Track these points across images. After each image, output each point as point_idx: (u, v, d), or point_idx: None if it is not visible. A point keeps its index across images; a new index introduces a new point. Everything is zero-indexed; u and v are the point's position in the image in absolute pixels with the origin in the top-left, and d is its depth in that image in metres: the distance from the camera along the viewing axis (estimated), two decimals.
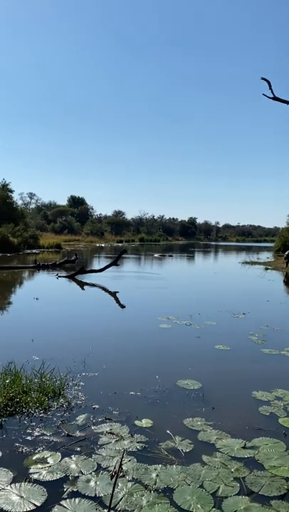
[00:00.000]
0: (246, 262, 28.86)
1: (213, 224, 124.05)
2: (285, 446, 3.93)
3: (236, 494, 3.22)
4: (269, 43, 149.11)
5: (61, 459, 3.60)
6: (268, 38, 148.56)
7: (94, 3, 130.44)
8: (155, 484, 3.30)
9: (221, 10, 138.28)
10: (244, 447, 3.90)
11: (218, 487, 3.30)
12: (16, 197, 48.65)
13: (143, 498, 3.13)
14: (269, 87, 12.66)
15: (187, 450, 3.84)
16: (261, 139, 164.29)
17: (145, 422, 4.33)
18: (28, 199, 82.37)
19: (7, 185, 42.27)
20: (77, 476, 3.38)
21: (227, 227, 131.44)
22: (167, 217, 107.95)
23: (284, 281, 19.69)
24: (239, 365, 6.53)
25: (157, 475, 3.42)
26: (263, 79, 12.68)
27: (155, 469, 3.50)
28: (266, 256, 37.72)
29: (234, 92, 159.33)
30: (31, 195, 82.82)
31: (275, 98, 12.81)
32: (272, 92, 12.84)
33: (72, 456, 3.66)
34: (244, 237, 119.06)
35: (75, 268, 19.00)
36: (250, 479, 3.42)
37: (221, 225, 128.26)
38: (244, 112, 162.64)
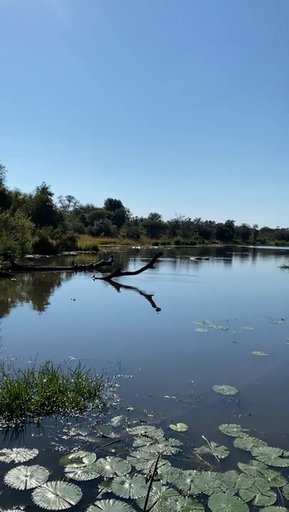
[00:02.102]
0: (286, 267, 28.20)
1: (252, 227, 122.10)
2: None
3: (273, 504, 3.14)
4: None
5: (96, 460, 3.63)
6: None
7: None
8: (189, 490, 3.27)
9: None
10: (281, 456, 3.80)
11: (255, 496, 3.23)
12: (55, 200, 49.84)
13: (177, 503, 3.11)
14: None
15: (222, 456, 3.78)
16: None
17: (180, 426, 4.30)
18: (67, 202, 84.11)
19: (47, 188, 43.35)
20: (112, 478, 3.40)
21: (266, 230, 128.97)
22: (204, 220, 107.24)
23: None
24: (277, 372, 6.38)
25: (192, 480, 3.38)
26: None
27: (190, 474, 3.46)
28: None
29: (279, 92, 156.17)
30: (70, 198, 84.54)
31: None
32: None
33: (107, 457, 3.69)
34: (283, 241, 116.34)
35: (111, 270, 19.18)
36: (287, 490, 3.32)
37: (259, 228, 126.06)
38: (281, 110, 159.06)
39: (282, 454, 3.83)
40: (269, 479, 3.46)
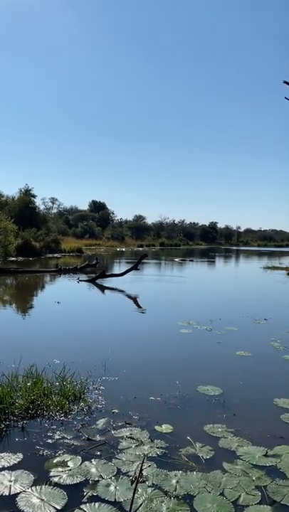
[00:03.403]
0: (268, 267, 28.52)
1: (235, 228, 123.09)
2: None
3: (258, 503, 3.17)
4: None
5: (81, 463, 3.62)
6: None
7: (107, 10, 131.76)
8: (175, 491, 3.28)
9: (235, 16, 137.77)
10: (266, 455, 3.84)
11: (240, 495, 3.26)
12: (38, 202, 49.43)
13: (163, 504, 3.11)
14: None
15: (208, 457, 3.80)
16: (284, 142, 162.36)
17: (165, 428, 4.31)
18: (50, 204, 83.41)
19: (30, 190, 42.94)
20: (97, 480, 3.39)
21: (248, 231, 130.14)
22: (188, 222, 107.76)
23: None
24: (260, 372, 6.44)
25: (177, 481, 3.39)
26: (286, 82, 12.57)
27: (175, 475, 3.47)
28: (288, 261, 37.17)
29: (258, 95, 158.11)
30: (53, 200, 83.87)
31: None
32: None
33: (93, 460, 3.67)
34: (266, 242, 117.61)
35: (96, 272, 19.12)
36: (272, 488, 3.36)
37: (242, 230, 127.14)
38: (264, 116, 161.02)
39: (267, 452, 3.87)
40: (254, 478, 3.49)
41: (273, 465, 3.69)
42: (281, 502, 3.19)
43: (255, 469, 3.62)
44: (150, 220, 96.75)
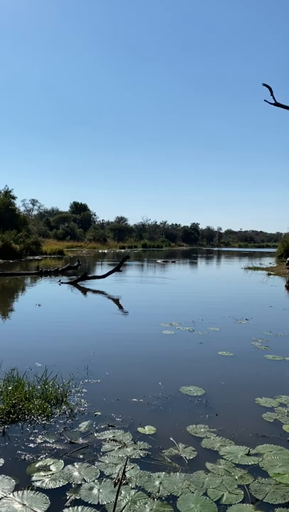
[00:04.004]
0: (249, 268, 28.81)
1: (216, 230, 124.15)
2: None
3: (240, 502, 3.19)
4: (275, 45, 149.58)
5: (64, 467, 3.58)
6: (271, 40, 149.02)
7: (98, 9, 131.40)
8: (158, 492, 3.28)
9: (223, 11, 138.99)
10: (248, 454, 3.87)
11: (222, 495, 3.27)
12: (18, 203, 49.00)
13: (146, 506, 3.10)
14: (271, 93, 12.71)
15: (191, 457, 3.81)
16: (265, 145, 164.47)
17: (148, 429, 4.31)
18: (31, 205, 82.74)
19: (10, 191, 42.51)
20: (80, 484, 3.36)
21: (229, 232, 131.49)
22: (170, 223, 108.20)
23: (286, 286, 19.62)
24: (242, 372, 6.50)
25: (160, 482, 3.39)
26: (265, 85, 12.73)
27: (158, 477, 3.47)
28: (269, 261, 37.65)
29: (240, 97, 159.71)
30: (34, 202, 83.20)
31: (276, 104, 12.86)
32: (273, 98, 12.86)
33: (75, 463, 3.64)
34: (246, 243, 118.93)
35: (78, 274, 19.01)
36: (254, 487, 3.39)
37: (223, 231, 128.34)
38: (247, 117, 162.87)
39: (249, 451, 3.90)
40: (236, 477, 3.51)
41: (256, 464, 3.72)
42: (263, 500, 3.22)
43: (238, 468, 3.65)
44: (132, 221, 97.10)
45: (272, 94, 11.98)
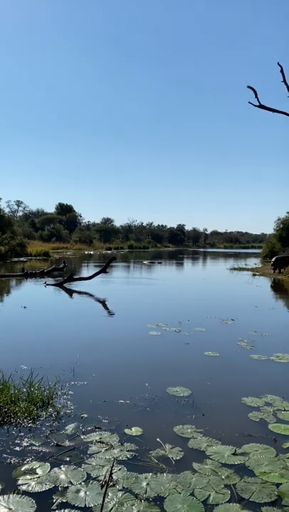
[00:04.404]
0: (234, 269, 29.01)
1: (202, 231, 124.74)
2: (274, 452, 3.93)
3: (227, 501, 3.21)
4: (261, 50, 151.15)
5: (50, 470, 3.56)
6: (258, 42, 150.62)
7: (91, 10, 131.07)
8: (146, 493, 3.27)
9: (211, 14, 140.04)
10: (234, 454, 3.89)
11: (209, 495, 3.29)
12: (3, 205, 48.55)
13: (134, 507, 3.10)
14: (255, 95, 12.84)
15: (177, 458, 3.82)
16: (250, 146, 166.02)
17: (135, 431, 4.30)
18: (16, 207, 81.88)
19: None
20: (67, 487, 3.34)
21: (215, 233, 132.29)
22: (156, 224, 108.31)
23: (271, 286, 19.82)
24: (228, 372, 6.54)
25: (148, 484, 3.39)
26: (249, 87, 12.85)
27: (145, 478, 3.47)
28: (254, 262, 37.96)
29: (226, 98, 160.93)
30: (19, 203, 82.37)
31: (260, 106, 13.00)
32: (258, 100, 13.00)
33: (62, 466, 3.62)
34: (232, 244, 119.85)
35: (64, 276, 18.90)
36: (240, 486, 3.41)
37: (209, 232, 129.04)
38: (234, 119, 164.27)
39: (235, 451, 3.92)
40: (223, 477, 3.53)
41: (242, 463, 3.75)
42: (250, 499, 3.24)
43: (224, 468, 3.66)
44: (118, 222, 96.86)
45: (256, 97, 12.11)
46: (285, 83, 11.82)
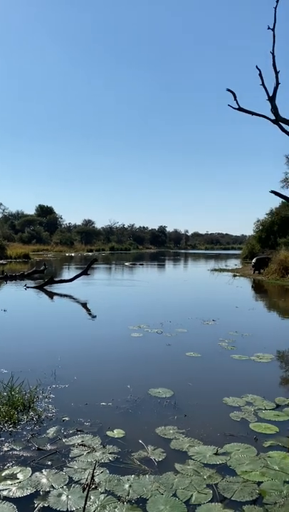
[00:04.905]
0: (215, 270, 29.24)
1: (183, 232, 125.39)
2: (256, 451, 3.97)
3: (209, 501, 3.22)
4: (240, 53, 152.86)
5: (31, 474, 3.52)
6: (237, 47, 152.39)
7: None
8: (128, 495, 3.26)
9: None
10: (216, 454, 3.92)
11: (192, 495, 3.30)
12: None
13: (116, 510, 3.09)
14: (234, 98, 12.97)
15: (160, 459, 3.82)
16: (230, 149, 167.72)
17: (117, 433, 4.29)
18: None
19: None
20: (48, 491, 3.31)
21: (196, 235, 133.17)
22: (137, 226, 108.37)
23: (252, 287, 20.06)
24: (210, 372, 6.58)
25: (130, 486, 3.38)
26: (229, 90, 12.97)
27: (128, 480, 3.46)
28: (234, 263, 38.35)
29: (204, 102, 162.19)
30: None
31: (240, 109, 13.14)
32: (237, 103, 13.13)
33: (43, 470, 3.58)
34: (212, 245, 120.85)
35: (44, 278, 18.73)
36: (222, 485, 3.43)
37: (190, 234, 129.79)
38: (215, 121, 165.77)
39: (217, 451, 3.95)
40: (205, 477, 3.55)
41: (224, 463, 3.77)
42: (231, 498, 3.26)
43: (206, 468, 3.68)
44: (99, 224, 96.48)
45: (235, 100, 12.26)
46: (264, 86, 11.99)
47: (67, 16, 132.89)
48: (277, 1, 11.46)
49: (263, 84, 11.99)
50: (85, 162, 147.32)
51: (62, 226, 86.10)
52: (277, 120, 12.09)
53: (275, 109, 11.79)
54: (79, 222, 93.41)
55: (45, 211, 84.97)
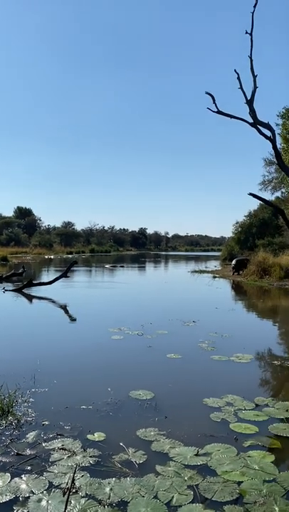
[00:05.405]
0: (195, 271, 29.42)
1: (163, 234, 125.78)
2: (236, 451, 4.01)
3: (190, 502, 3.23)
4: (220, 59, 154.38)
5: (11, 480, 3.46)
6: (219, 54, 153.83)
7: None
8: (109, 498, 3.25)
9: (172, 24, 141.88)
10: (197, 454, 3.93)
11: (172, 496, 3.30)
12: None
13: None
14: (213, 101, 13.09)
15: (141, 461, 3.81)
16: (208, 152, 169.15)
17: (98, 436, 4.27)
18: None
19: None
20: (28, 497, 3.26)
21: (176, 237, 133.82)
22: (118, 228, 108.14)
23: (231, 288, 20.26)
24: (190, 373, 6.61)
25: (111, 489, 3.37)
26: (207, 93, 13.09)
27: (109, 483, 3.44)
28: (214, 264, 38.66)
29: (185, 104, 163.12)
30: None
31: (218, 112, 13.28)
32: (216, 106, 13.25)
33: (23, 475, 3.53)
34: (192, 247, 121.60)
35: (23, 281, 18.51)
36: (203, 486, 3.44)
37: (170, 235, 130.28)
38: (191, 122, 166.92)
39: (198, 452, 3.97)
40: (186, 478, 3.55)
41: (204, 463, 3.79)
42: (212, 499, 3.28)
43: (187, 469, 3.69)
44: (79, 226, 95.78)
45: (214, 103, 12.39)
46: (242, 90, 12.14)
47: (39, 16, 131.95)
48: (254, 6, 11.65)
49: (241, 87, 12.13)
50: (64, 163, 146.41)
51: (42, 228, 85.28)
52: (255, 123, 12.26)
53: (253, 113, 11.97)
54: (58, 224, 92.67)
55: (23, 213, 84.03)
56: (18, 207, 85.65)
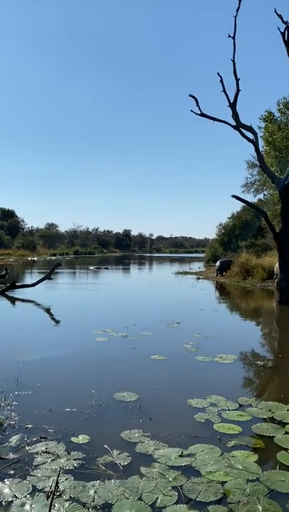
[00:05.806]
0: (179, 273, 29.55)
1: (147, 236, 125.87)
2: (220, 451, 4.03)
3: (175, 503, 3.24)
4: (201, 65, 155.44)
5: None
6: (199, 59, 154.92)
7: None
8: (93, 501, 3.23)
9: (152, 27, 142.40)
10: (181, 455, 3.94)
11: (157, 498, 3.30)
12: None
13: None
14: (196, 104, 13.19)
15: (125, 463, 3.81)
16: (192, 154, 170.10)
17: (82, 438, 4.24)
18: None
19: None
20: (11, 501, 3.22)
21: (161, 238, 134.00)
22: (102, 230, 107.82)
23: (215, 289, 20.39)
24: (174, 374, 6.63)
25: (95, 491, 3.35)
26: (191, 96, 13.19)
27: (93, 486, 3.43)
28: (198, 266, 38.87)
29: (171, 103, 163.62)
30: None
31: (202, 114, 13.39)
32: (199, 108, 13.38)
33: (6, 480, 3.49)
34: (177, 249, 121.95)
35: (6, 283, 18.32)
36: (187, 487, 3.45)
37: (154, 237, 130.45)
38: (178, 121, 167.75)
39: (182, 453, 3.98)
40: (170, 479, 3.56)
41: (188, 464, 3.80)
42: (196, 499, 3.29)
43: (172, 470, 3.70)
44: (63, 228, 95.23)
45: (198, 105, 12.47)
46: (225, 93, 12.25)
47: (28, 17, 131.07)
48: (237, 10, 11.79)
49: (224, 90, 12.25)
50: (46, 163, 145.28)
51: (25, 230, 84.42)
52: (238, 126, 12.38)
53: (236, 116, 12.09)
54: (42, 225, 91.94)
55: (6, 214, 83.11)
56: (0, 208, 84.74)
